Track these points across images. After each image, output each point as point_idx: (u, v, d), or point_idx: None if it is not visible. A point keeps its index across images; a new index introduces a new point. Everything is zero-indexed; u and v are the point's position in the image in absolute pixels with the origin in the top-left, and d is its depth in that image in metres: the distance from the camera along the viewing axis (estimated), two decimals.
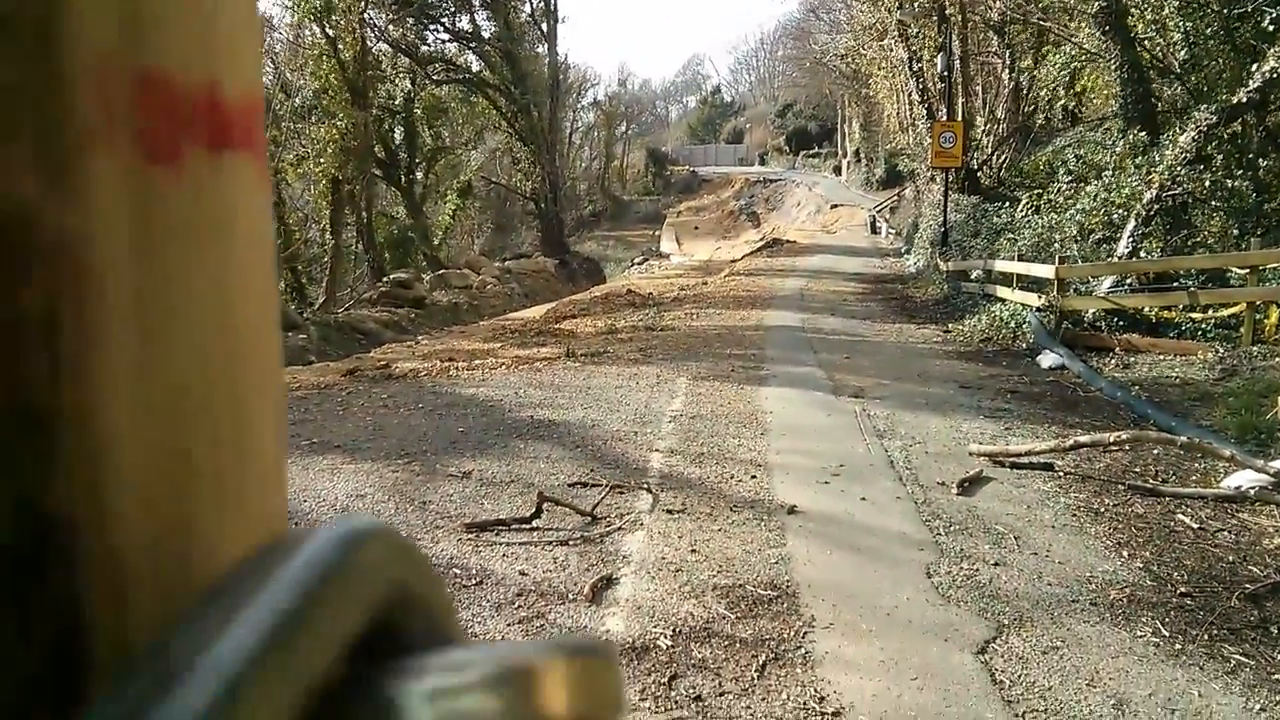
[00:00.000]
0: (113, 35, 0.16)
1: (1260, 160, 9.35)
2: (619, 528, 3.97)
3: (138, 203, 0.17)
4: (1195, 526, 3.94)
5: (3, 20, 0.13)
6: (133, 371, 0.16)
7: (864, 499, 4.30)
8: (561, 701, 0.17)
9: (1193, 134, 9.19)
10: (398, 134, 23.33)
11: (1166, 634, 3.00)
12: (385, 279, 18.09)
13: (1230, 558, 3.62)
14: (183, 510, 0.16)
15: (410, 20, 23.26)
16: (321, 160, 17.76)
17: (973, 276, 11.88)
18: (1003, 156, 18.61)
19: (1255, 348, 7.19)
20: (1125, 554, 3.65)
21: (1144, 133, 10.42)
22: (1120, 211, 9.72)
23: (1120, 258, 9.05)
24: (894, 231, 22.09)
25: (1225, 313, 7.84)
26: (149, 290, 0.17)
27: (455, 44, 26.04)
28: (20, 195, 0.14)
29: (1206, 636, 2.99)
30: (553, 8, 28.15)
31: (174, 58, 0.17)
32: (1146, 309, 8.19)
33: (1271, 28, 9.07)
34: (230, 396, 0.19)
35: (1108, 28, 10.70)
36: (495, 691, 0.16)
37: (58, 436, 0.14)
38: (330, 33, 18.31)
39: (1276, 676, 2.75)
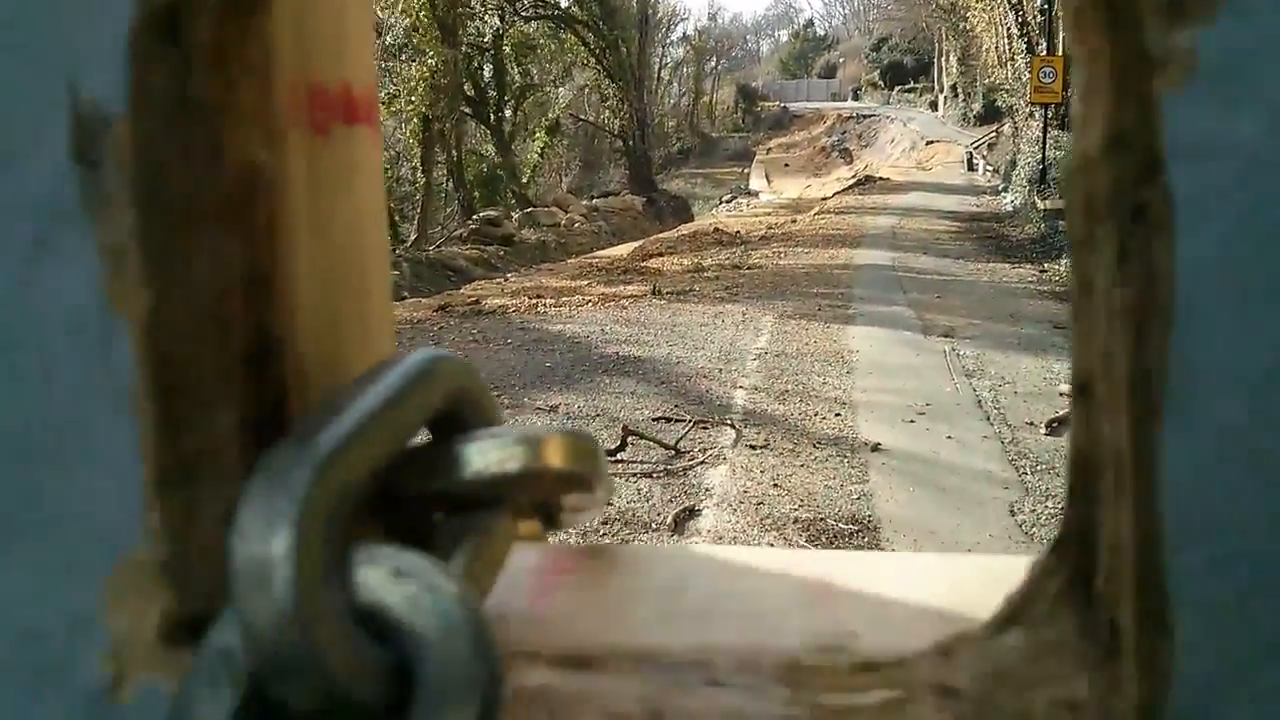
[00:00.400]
0: (297, 63, 0.24)
1: None
2: (702, 462, 4.07)
3: (309, 157, 0.25)
4: None
5: (248, 65, 0.22)
6: (306, 253, 0.25)
7: (949, 438, 4.32)
8: (559, 458, 0.26)
9: None
10: (486, 71, 23.45)
11: None
12: (475, 217, 18.35)
13: None
14: (335, 335, 0.25)
15: None
16: (413, 99, 17.98)
17: None
18: None
19: None
20: None
21: None
22: None
23: None
24: (991, 169, 21.54)
25: None
26: (315, 205, 0.25)
27: None
28: (257, 157, 0.22)
29: None
30: None
31: (326, 73, 0.26)
32: None
33: None
34: (359, 270, 0.28)
35: None
36: (519, 447, 0.24)
37: (274, 289, 0.23)
38: None
39: None
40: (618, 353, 6.13)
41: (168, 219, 0.20)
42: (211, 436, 0.21)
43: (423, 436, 0.26)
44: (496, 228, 17.15)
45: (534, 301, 8.20)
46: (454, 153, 20.62)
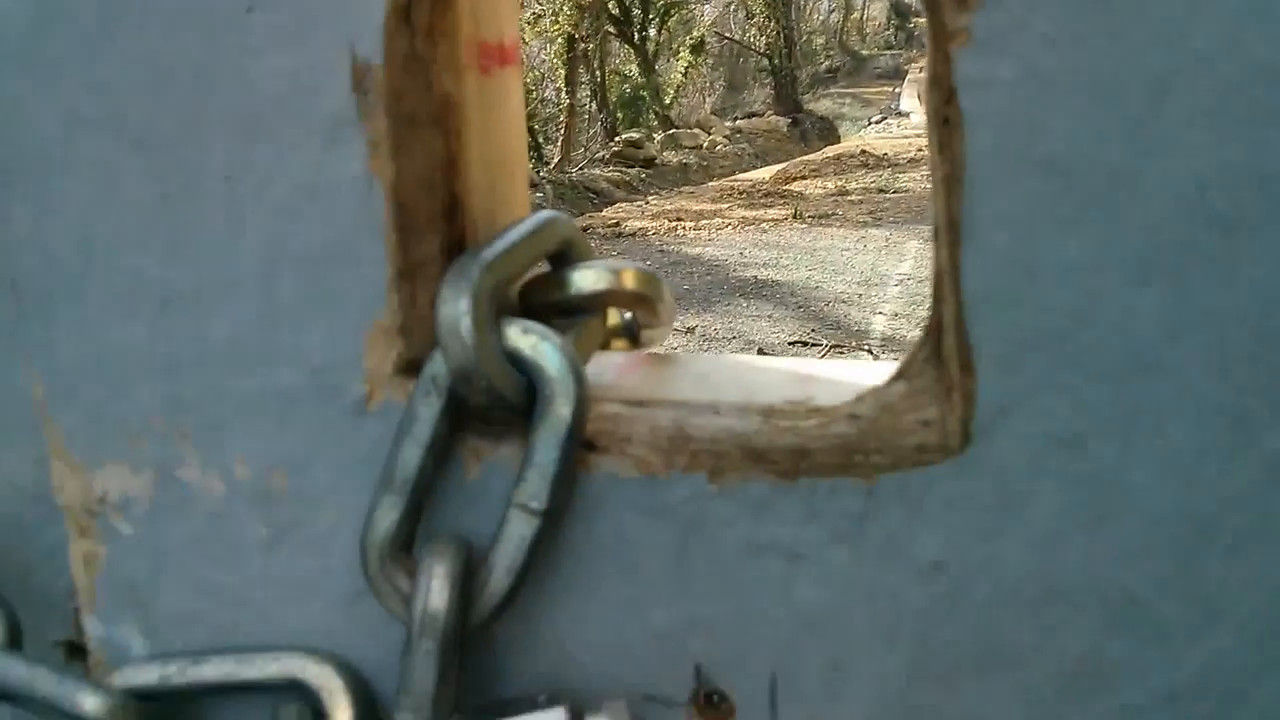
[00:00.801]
0: (471, 28, 0.39)
1: None
2: None
3: (478, 88, 0.40)
4: None
5: (445, 32, 0.36)
6: (477, 148, 0.40)
7: None
8: (632, 282, 0.40)
9: None
10: None
11: None
12: (617, 139, 18.48)
13: None
14: (492, 199, 0.41)
15: None
16: (558, 19, 18.12)
17: None
18: None
19: None
20: None
21: None
22: None
23: None
24: None
25: None
26: (481, 118, 0.40)
27: None
28: (450, 89, 0.37)
29: None
30: None
31: (488, 32, 0.41)
32: None
33: None
34: (507, 160, 0.44)
35: None
36: (606, 273, 0.39)
37: (458, 169, 0.38)
38: None
39: None
40: (755, 276, 6.23)
41: (402, 124, 0.36)
42: (425, 252, 0.37)
43: (545, 266, 0.41)
44: (638, 150, 17.24)
45: (673, 224, 8.34)
46: (598, 73, 20.69)
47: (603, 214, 10.63)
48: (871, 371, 0.41)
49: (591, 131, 21.11)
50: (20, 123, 0.38)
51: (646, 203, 11.40)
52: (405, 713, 0.35)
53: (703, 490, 0.36)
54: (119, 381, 0.40)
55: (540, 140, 19.35)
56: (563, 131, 18.62)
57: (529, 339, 0.36)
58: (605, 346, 0.46)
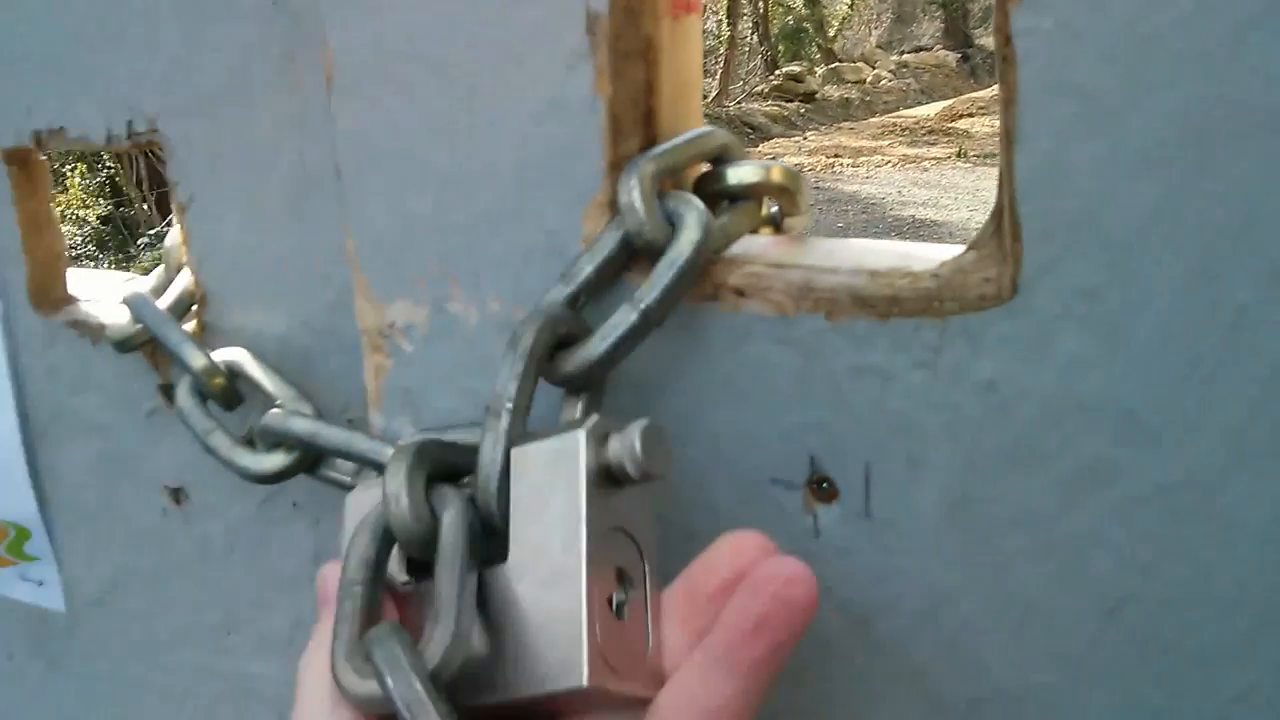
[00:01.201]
0: None
1: None
2: None
3: (671, 31, 0.54)
4: None
5: None
6: (668, 75, 0.54)
7: None
8: (778, 176, 0.55)
9: None
10: None
11: None
12: (777, 72, 18.29)
13: None
14: (675, 113, 0.55)
15: None
16: None
17: None
18: None
19: None
20: None
21: None
22: None
23: None
24: None
25: None
26: (670, 53, 0.55)
27: None
28: (651, 31, 0.52)
29: None
30: None
31: None
32: None
33: None
34: (688, 85, 0.57)
35: None
36: (758, 168, 0.54)
37: (654, 91, 0.53)
38: None
39: None
40: (913, 216, 6.22)
41: (618, 58, 0.51)
42: (627, 150, 0.52)
43: (706, 167, 0.56)
44: (799, 84, 17.03)
45: (831, 161, 8.33)
46: (760, 5, 20.41)
47: (759, 149, 10.66)
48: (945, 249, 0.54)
49: (751, 65, 20.94)
50: (349, 52, 0.55)
51: (804, 138, 11.36)
52: (490, 402, 0.49)
53: (821, 327, 0.50)
54: (409, 239, 0.57)
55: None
56: (722, 64, 18.53)
57: (678, 201, 0.51)
58: (756, 232, 0.60)
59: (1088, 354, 0.46)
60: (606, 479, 0.44)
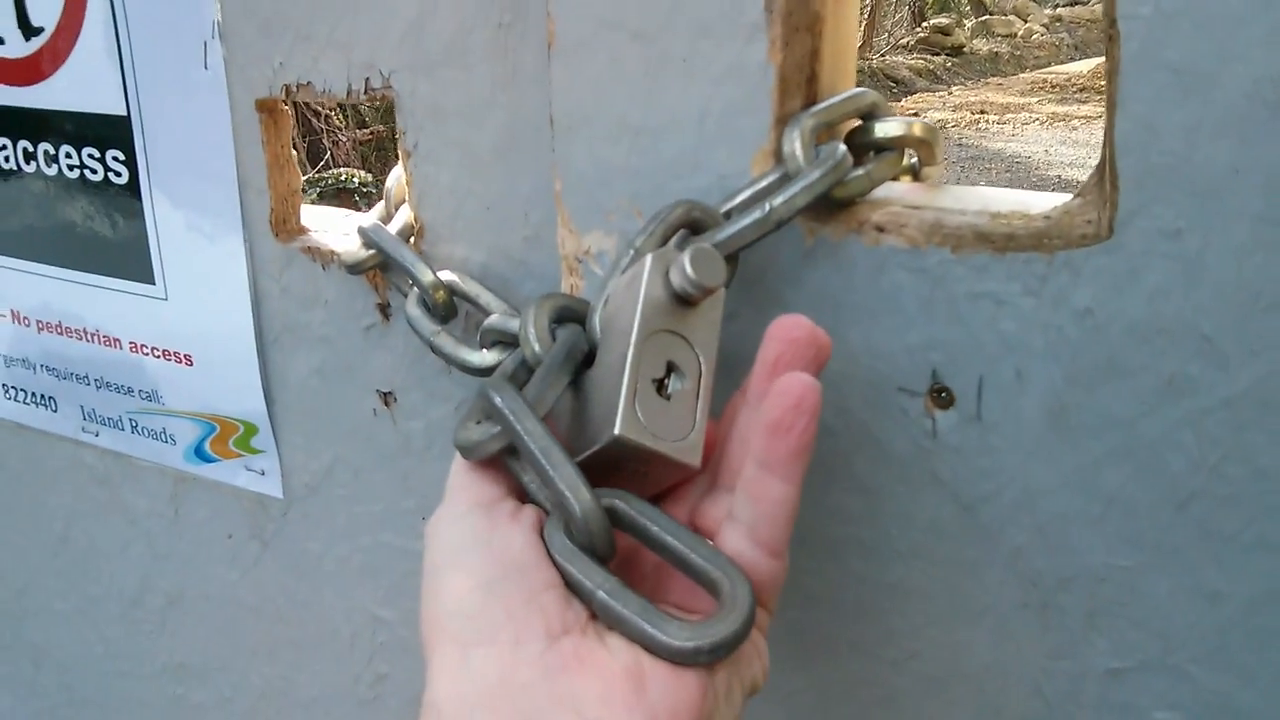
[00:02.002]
0: None
1: None
2: None
3: (835, 4, 0.68)
4: None
5: None
6: (829, 47, 0.67)
7: None
8: (919, 131, 0.67)
9: None
10: None
11: None
12: (924, 24, 17.91)
13: None
14: (834, 75, 0.68)
15: None
16: None
17: None
18: None
19: None
20: None
21: None
22: None
23: None
24: None
25: None
26: (833, 25, 0.68)
27: None
28: (817, 7, 0.64)
29: None
30: None
31: None
32: None
33: None
34: (847, 49, 0.69)
35: None
36: (901, 122, 0.65)
37: (817, 56, 0.66)
38: None
39: None
40: (1060, 176, 6.14)
41: (790, 30, 0.63)
42: (792, 107, 0.65)
43: (857, 121, 0.68)
44: (946, 36, 16.65)
45: (976, 117, 8.22)
46: None
47: (901, 104, 10.56)
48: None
49: (897, 16, 20.54)
50: (568, 22, 0.69)
51: (949, 93, 11.19)
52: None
53: (946, 258, 0.63)
54: (605, 180, 0.71)
55: None
56: (866, 16, 18.23)
57: (829, 148, 0.63)
58: (897, 179, 0.73)
59: (1170, 286, 0.58)
60: (674, 300, 0.55)
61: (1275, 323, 0.56)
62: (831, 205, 0.64)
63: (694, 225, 0.63)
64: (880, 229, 0.64)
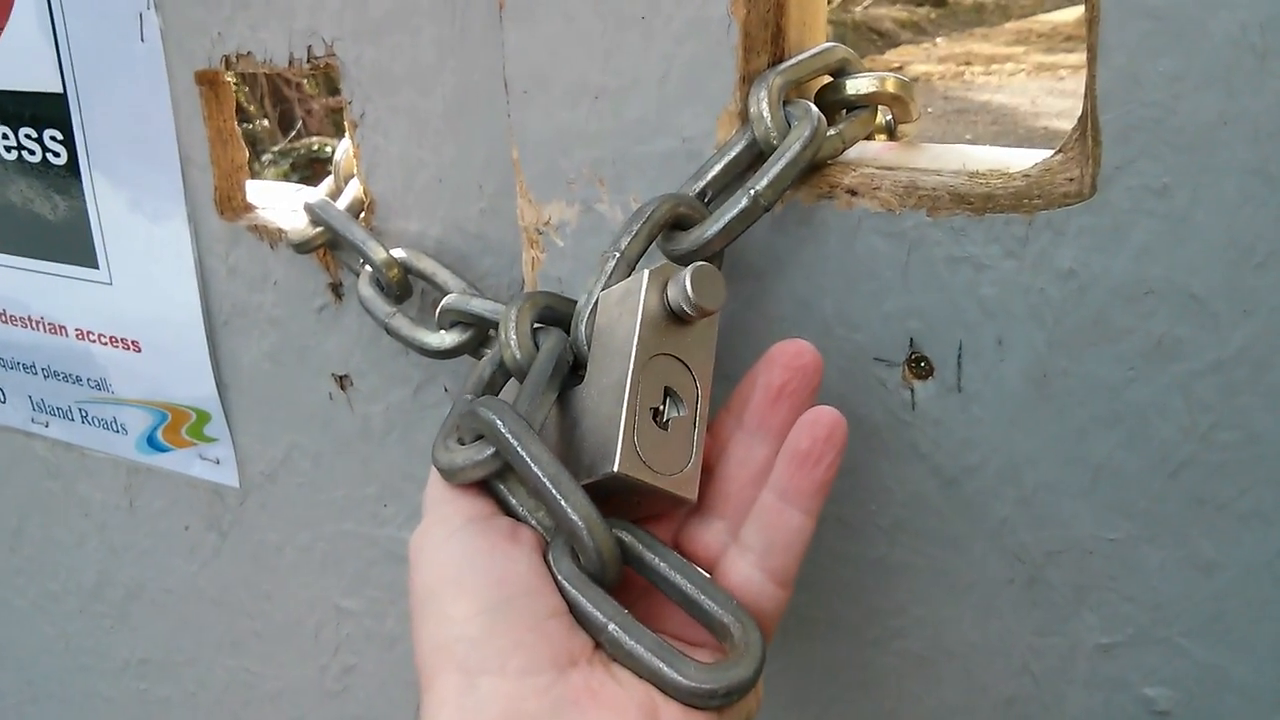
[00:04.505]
0: None
1: None
2: None
3: None
4: None
5: None
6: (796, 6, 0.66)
7: None
8: (892, 86, 0.66)
9: None
10: None
11: None
12: None
13: None
14: (800, 35, 0.67)
15: None
16: None
17: None
18: None
19: None
20: None
21: None
22: None
23: None
24: None
25: None
26: None
27: None
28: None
29: None
30: None
31: None
32: None
33: None
34: (817, 7, 0.68)
35: None
36: (873, 78, 0.65)
37: (783, 15, 0.64)
38: None
39: None
40: (1046, 127, 6.13)
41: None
42: (758, 65, 0.64)
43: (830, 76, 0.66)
44: None
45: (961, 69, 8.20)
46: None
47: (885, 56, 10.50)
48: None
49: None
50: None
51: (934, 45, 11.14)
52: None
53: (922, 221, 0.61)
54: (564, 147, 0.69)
55: None
56: None
57: (798, 107, 0.62)
58: (872, 138, 0.71)
59: (1157, 244, 0.57)
60: (670, 318, 0.54)
61: (1268, 280, 0.55)
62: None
63: (679, 221, 0.62)
64: (853, 192, 0.63)
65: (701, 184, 0.63)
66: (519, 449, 0.51)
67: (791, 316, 0.66)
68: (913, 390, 0.65)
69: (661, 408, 0.54)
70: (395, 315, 0.76)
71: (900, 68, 8.66)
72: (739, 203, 0.60)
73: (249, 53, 0.84)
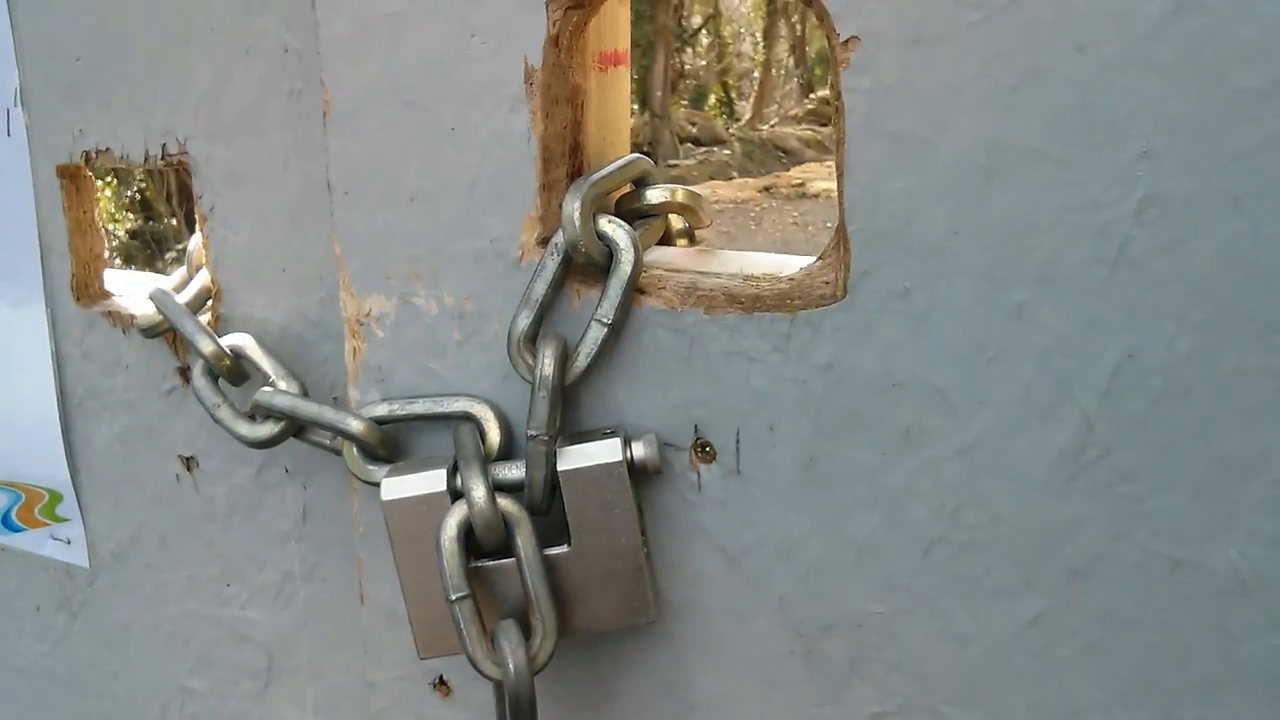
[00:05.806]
0: (596, 41, 0.70)
1: None
2: None
3: (598, 81, 0.73)
4: None
5: (581, 49, 0.66)
6: (594, 118, 0.72)
7: None
8: (682, 196, 0.73)
9: None
10: None
11: None
12: (812, 96, 18.48)
13: None
14: (602, 148, 0.73)
15: None
16: None
17: None
18: None
19: None
20: None
21: None
22: None
23: None
24: None
25: None
26: (598, 102, 0.72)
27: None
28: (579, 81, 0.69)
29: None
30: None
31: (607, 44, 0.72)
32: None
33: None
34: (615, 127, 0.76)
35: None
36: (665, 190, 0.71)
37: (581, 129, 0.70)
38: None
39: None
40: None
41: (550, 102, 0.67)
42: (558, 175, 0.68)
43: (630, 188, 0.71)
44: None
45: None
46: (798, 28, 20.61)
47: (789, 173, 10.84)
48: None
49: (787, 88, 21.16)
50: (342, 91, 0.71)
51: None
52: (532, 430, 0.66)
53: (701, 318, 0.66)
54: (383, 244, 0.73)
55: (733, 96, 19.52)
56: (757, 88, 18.75)
57: (611, 226, 0.66)
58: (671, 243, 0.76)
59: (901, 341, 0.62)
60: (631, 472, 0.67)
61: (999, 373, 0.60)
62: (595, 266, 0.67)
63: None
64: (641, 291, 0.67)
65: (537, 310, 0.67)
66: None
67: (589, 406, 0.70)
68: (699, 473, 0.69)
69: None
70: (220, 406, 0.78)
71: (803, 184, 8.96)
72: (600, 334, 0.66)
73: (108, 149, 0.87)
